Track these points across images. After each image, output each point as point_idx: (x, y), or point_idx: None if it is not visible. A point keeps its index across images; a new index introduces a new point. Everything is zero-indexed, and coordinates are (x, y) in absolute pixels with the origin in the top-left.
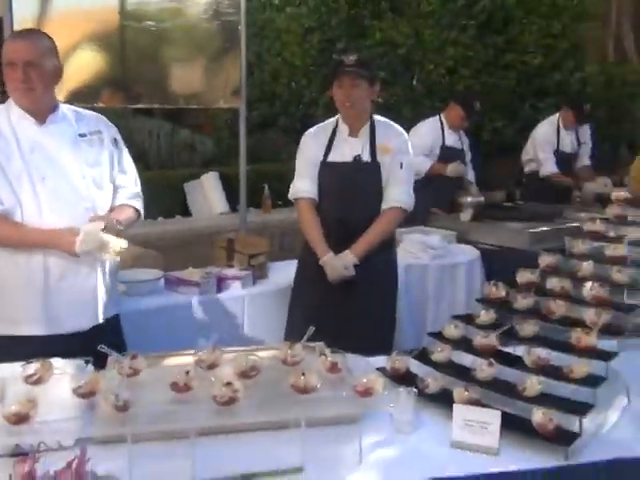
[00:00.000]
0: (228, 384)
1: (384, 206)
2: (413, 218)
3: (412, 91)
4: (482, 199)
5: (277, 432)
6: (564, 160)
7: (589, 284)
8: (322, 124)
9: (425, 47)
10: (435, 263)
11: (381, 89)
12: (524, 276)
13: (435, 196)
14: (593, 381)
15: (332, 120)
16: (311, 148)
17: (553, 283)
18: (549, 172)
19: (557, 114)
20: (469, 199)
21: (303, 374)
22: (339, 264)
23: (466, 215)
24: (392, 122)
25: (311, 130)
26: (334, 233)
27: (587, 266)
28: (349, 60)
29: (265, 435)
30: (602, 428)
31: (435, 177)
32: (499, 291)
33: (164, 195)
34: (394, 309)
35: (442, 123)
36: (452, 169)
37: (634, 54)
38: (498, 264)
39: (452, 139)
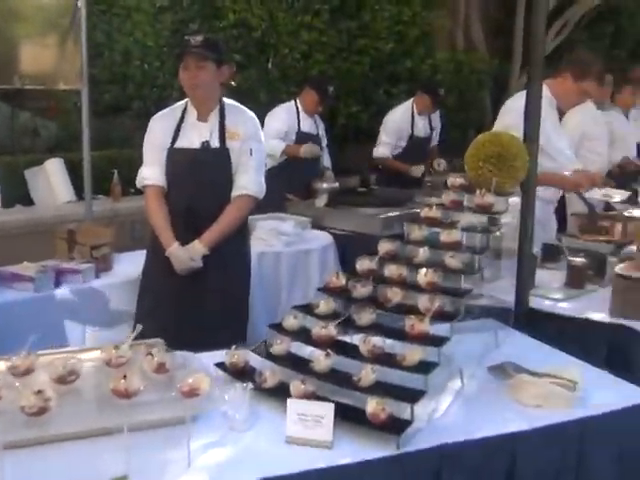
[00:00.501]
0: (39, 392)
1: (234, 194)
2: (268, 204)
3: (267, 75)
4: (337, 185)
5: (100, 440)
6: (418, 145)
7: (424, 270)
8: (170, 108)
9: (280, 31)
10: (288, 250)
11: (235, 72)
12: (364, 264)
13: (291, 182)
14: (425, 367)
15: (181, 103)
16: (158, 133)
17: (391, 270)
18: (380, 155)
19: (411, 99)
20: (324, 185)
21: (125, 377)
22: (185, 255)
23: (321, 201)
24: (243, 107)
25: (158, 114)
26: (183, 222)
27: (423, 252)
28: (195, 41)
29: (86, 444)
30: (435, 414)
31: (291, 162)
32: (339, 280)
33: (3, 183)
34: (247, 299)
35: (297, 108)
36: (306, 150)
37: (482, 43)
38: (352, 250)
39: (307, 124)
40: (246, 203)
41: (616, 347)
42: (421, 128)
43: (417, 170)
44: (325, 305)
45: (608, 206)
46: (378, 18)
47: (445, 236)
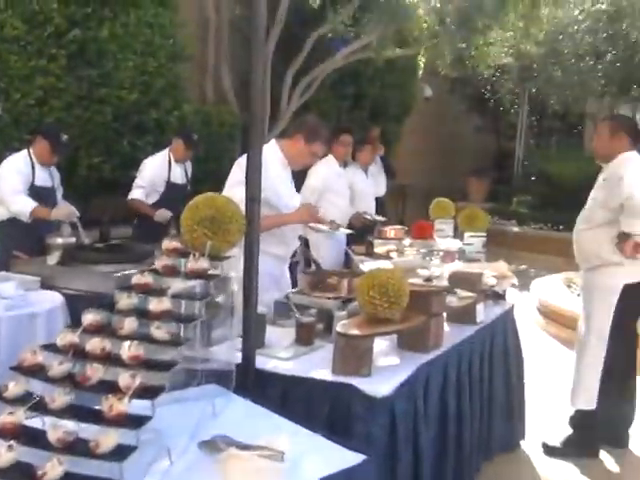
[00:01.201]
0: None
1: None
2: None
3: None
4: (73, 240)
5: None
6: (175, 192)
7: (127, 343)
8: None
9: (11, 74)
10: (8, 315)
11: None
12: (65, 337)
13: (19, 237)
14: (120, 453)
15: None
16: None
17: (93, 344)
18: (135, 197)
19: (168, 148)
20: (59, 240)
21: None
22: None
23: (53, 258)
24: None
25: None
26: None
27: (129, 323)
28: None
29: None
30: None
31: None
32: (36, 356)
33: None
34: None
35: (32, 159)
36: (160, 215)
37: (232, 96)
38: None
39: (42, 176)
40: None
41: (338, 405)
42: (178, 175)
43: (161, 216)
44: (16, 387)
45: (348, 262)
46: (121, 67)
47: (154, 305)
